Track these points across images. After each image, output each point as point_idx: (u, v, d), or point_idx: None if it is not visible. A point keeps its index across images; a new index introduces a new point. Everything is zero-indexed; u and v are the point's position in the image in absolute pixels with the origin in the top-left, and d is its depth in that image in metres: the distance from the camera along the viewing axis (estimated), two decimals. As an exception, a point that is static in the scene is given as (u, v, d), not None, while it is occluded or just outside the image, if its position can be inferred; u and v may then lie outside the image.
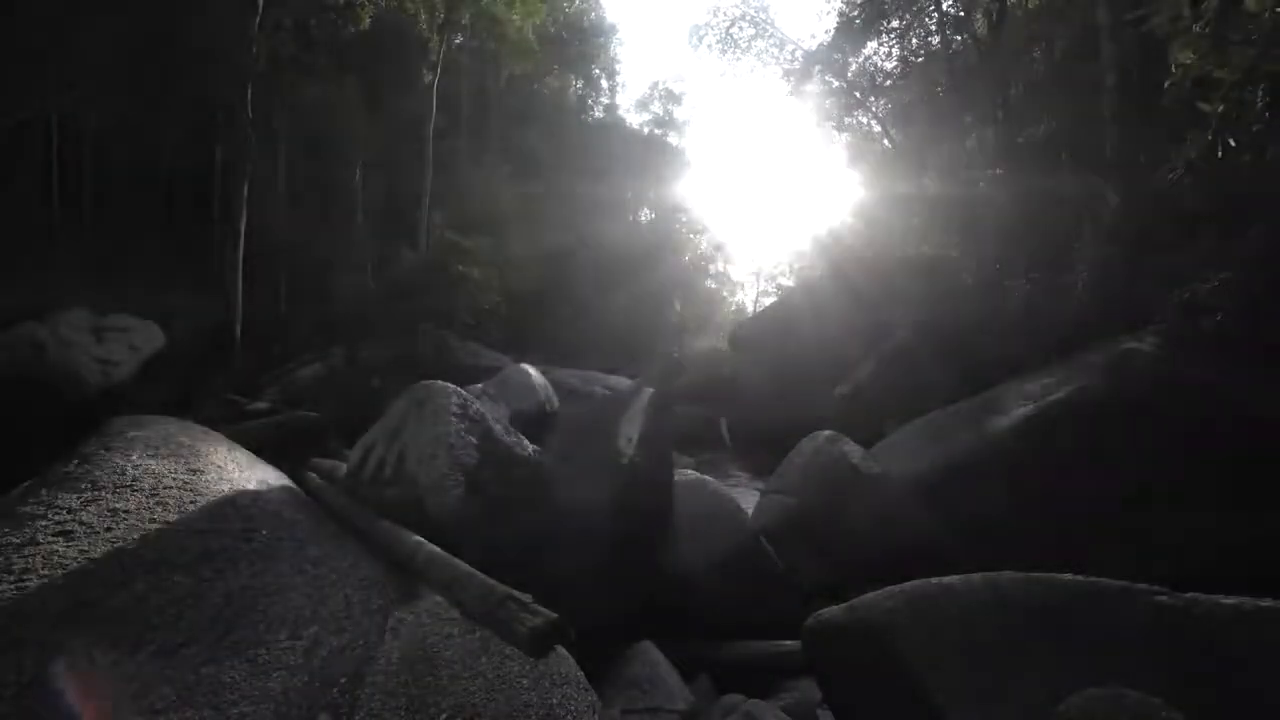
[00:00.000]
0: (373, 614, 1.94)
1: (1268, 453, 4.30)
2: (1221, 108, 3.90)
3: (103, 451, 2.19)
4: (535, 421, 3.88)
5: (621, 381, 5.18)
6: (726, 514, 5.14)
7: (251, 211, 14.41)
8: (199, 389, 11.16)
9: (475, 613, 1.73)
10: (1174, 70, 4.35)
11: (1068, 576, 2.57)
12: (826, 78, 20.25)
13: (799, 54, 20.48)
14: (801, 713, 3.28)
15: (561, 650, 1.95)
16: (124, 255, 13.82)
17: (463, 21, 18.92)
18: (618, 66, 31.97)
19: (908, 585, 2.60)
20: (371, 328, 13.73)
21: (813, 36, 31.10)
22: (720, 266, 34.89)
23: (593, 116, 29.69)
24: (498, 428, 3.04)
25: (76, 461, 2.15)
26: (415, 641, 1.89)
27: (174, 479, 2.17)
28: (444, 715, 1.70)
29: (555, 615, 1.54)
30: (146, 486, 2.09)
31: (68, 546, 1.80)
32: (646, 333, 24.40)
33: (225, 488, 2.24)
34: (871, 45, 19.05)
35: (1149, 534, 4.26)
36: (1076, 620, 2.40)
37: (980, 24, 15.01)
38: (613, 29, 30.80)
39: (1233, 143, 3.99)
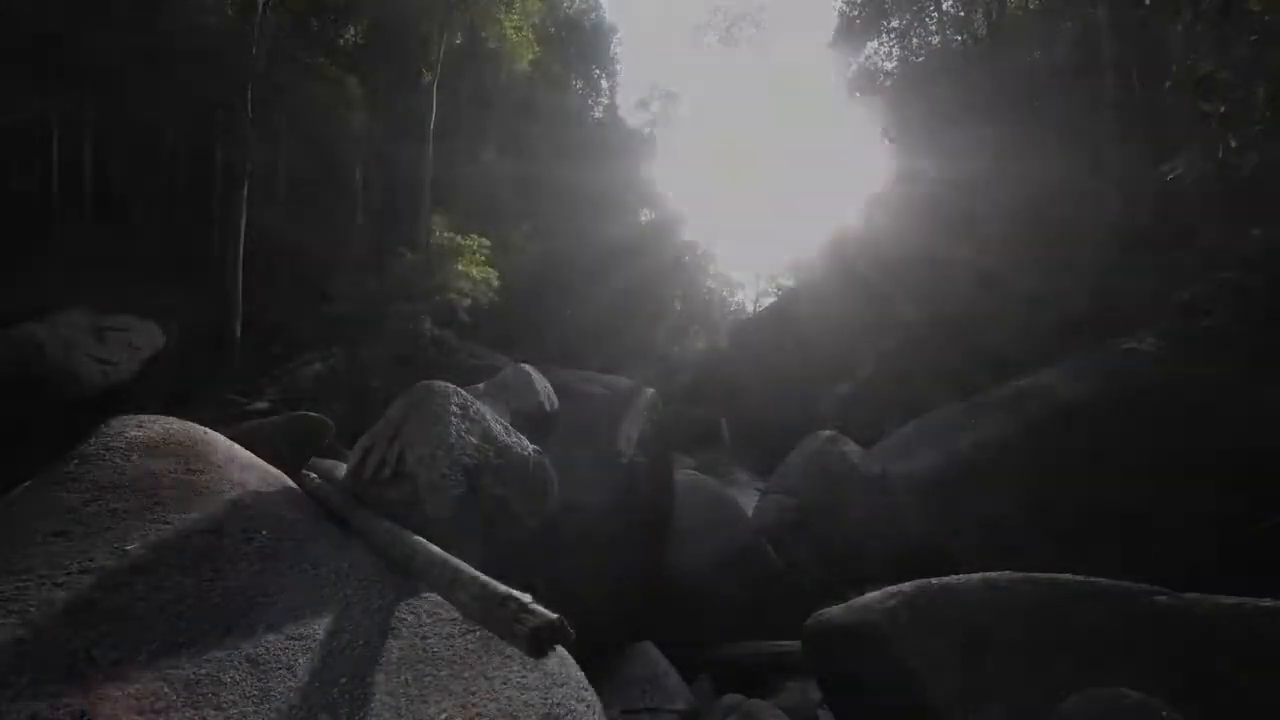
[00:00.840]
0: (373, 614, 1.94)
1: (1266, 452, 4.30)
2: (1223, 107, 3.90)
3: (103, 451, 2.18)
4: (535, 421, 3.87)
5: (621, 381, 5.19)
6: (727, 514, 5.14)
7: (251, 211, 14.40)
8: (199, 389, 11.15)
9: (475, 613, 1.72)
10: (1175, 70, 4.36)
11: (1068, 576, 2.57)
12: (827, 77, 20.30)
13: (800, 54, 20.52)
14: (801, 713, 3.29)
15: (561, 650, 1.95)
16: (124, 255, 13.80)
17: (463, 21, 18.88)
18: (618, 67, 31.96)
19: (908, 585, 2.60)
20: (371, 328, 13.71)
21: (813, 37, 31.14)
22: (720, 266, 34.88)
23: (593, 116, 29.65)
24: (498, 428, 3.03)
25: (76, 461, 2.14)
26: (415, 641, 1.90)
27: (174, 479, 2.16)
28: (444, 715, 1.70)
29: (555, 615, 1.53)
30: (146, 486, 2.09)
31: (67, 546, 1.80)
32: (647, 332, 24.41)
33: (225, 488, 2.23)
34: (872, 45, 19.11)
35: (1149, 532, 4.27)
36: (1076, 620, 2.39)
37: (980, 24, 15.03)
38: (613, 29, 30.82)
39: (1233, 143, 3.99)
